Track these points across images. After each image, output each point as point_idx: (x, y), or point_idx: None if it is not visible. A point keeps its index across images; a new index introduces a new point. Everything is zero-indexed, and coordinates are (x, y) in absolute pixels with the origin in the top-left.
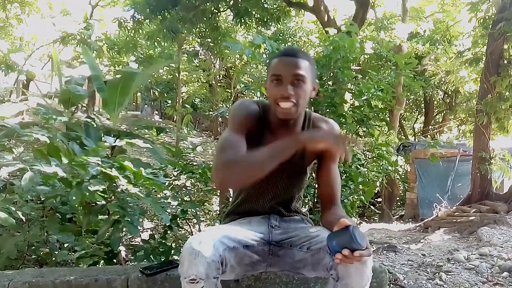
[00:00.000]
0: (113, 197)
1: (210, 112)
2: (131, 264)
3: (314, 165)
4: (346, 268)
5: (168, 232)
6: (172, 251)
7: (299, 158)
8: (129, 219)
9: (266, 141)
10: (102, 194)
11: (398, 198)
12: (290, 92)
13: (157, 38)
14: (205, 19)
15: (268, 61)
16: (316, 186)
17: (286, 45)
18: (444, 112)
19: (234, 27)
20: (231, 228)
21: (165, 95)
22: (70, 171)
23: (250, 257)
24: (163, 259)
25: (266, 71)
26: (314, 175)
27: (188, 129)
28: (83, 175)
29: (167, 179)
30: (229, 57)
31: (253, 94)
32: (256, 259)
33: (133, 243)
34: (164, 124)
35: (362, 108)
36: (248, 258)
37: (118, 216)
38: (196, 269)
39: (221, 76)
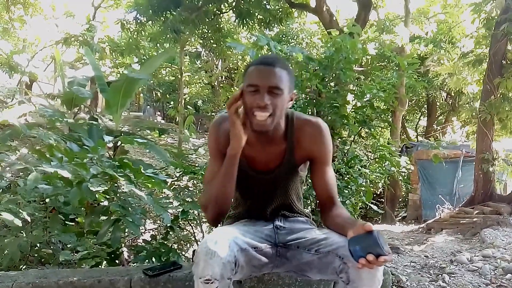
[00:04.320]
0: (115, 197)
1: (213, 114)
2: (132, 265)
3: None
4: (358, 272)
5: (170, 233)
6: (171, 253)
7: (288, 158)
8: (130, 219)
9: (245, 154)
10: (104, 195)
11: (400, 200)
12: (267, 101)
13: (160, 40)
14: (207, 20)
15: (244, 69)
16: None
17: (289, 46)
18: (447, 113)
19: (236, 28)
20: (240, 228)
21: (167, 96)
22: (74, 172)
23: (259, 259)
24: (164, 260)
25: (243, 79)
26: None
27: (190, 130)
28: (84, 175)
29: (169, 179)
30: (231, 58)
31: None
32: (263, 261)
33: (135, 244)
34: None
35: (364, 109)
36: (256, 260)
37: (119, 215)
38: (211, 270)
39: (223, 77)
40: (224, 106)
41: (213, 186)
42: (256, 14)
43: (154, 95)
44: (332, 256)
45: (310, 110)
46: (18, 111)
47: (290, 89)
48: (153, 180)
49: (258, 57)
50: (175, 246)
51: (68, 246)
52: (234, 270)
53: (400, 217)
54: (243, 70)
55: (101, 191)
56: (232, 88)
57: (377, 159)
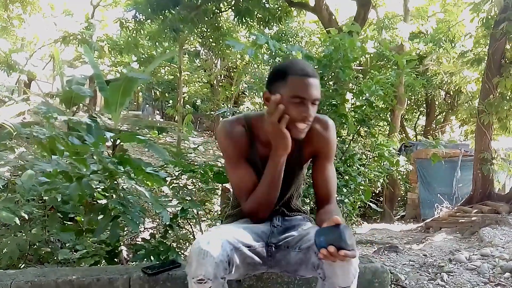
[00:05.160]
0: (114, 195)
1: (211, 112)
2: (131, 263)
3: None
4: (332, 267)
5: (169, 231)
6: (170, 252)
7: (296, 156)
8: (129, 216)
9: (260, 154)
10: (103, 193)
11: (399, 199)
12: (312, 114)
13: (159, 38)
14: (206, 19)
15: (281, 74)
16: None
17: (288, 45)
18: (446, 112)
19: (236, 27)
20: (236, 228)
21: (166, 95)
22: (73, 170)
23: (252, 258)
24: (163, 259)
25: (276, 83)
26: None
27: (188, 128)
28: (84, 172)
29: (168, 178)
30: (230, 57)
31: (254, 94)
32: (257, 260)
33: (134, 242)
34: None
35: (363, 108)
36: (250, 259)
37: (118, 212)
38: (204, 269)
39: (222, 76)
40: (223, 105)
41: (262, 192)
42: (255, 12)
43: (153, 94)
44: (312, 252)
45: None
46: (15, 110)
47: None
48: (152, 178)
49: (296, 65)
50: (174, 244)
51: (67, 244)
52: (227, 270)
53: (398, 216)
54: (275, 76)
55: (100, 189)
56: (231, 87)
57: (375, 158)
